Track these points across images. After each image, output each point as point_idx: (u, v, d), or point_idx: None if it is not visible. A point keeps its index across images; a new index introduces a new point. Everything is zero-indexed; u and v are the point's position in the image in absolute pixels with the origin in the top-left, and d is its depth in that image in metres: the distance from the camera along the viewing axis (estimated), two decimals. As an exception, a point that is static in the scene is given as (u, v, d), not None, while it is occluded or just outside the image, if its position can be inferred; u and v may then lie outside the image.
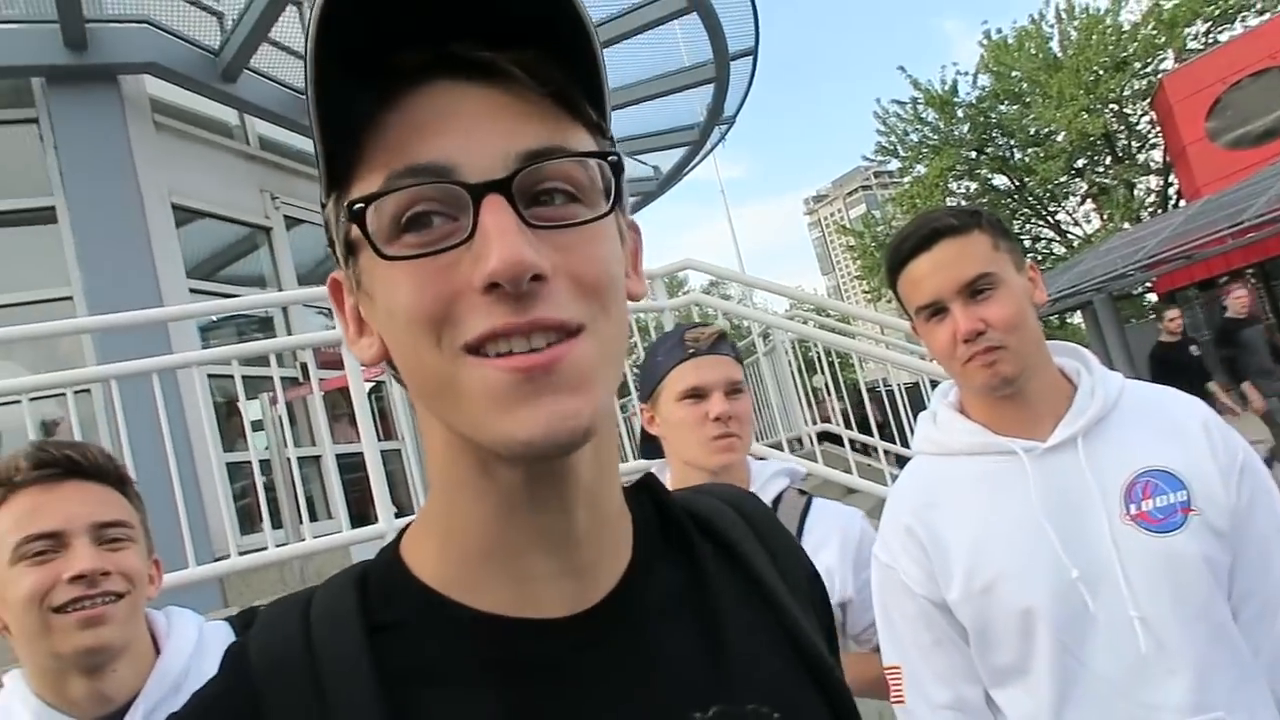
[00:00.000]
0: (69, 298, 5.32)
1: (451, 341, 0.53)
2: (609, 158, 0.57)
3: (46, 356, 4.98)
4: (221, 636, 1.35)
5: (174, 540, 3.40)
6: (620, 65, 8.18)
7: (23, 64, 5.47)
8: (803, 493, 1.90)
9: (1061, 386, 1.44)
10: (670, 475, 1.88)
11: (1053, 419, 1.41)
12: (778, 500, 1.85)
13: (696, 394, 1.76)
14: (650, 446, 1.91)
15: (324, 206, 0.61)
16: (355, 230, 0.55)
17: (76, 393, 3.50)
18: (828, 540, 1.78)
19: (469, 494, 0.60)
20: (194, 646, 1.30)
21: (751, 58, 9.03)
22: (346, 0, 0.51)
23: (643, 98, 8.71)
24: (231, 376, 3.64)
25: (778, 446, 5.12)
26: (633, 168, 10.12)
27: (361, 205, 0.54)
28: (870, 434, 5.38)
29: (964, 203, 24.88)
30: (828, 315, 8.00)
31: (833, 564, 1.76)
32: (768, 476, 1.88)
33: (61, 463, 1.21)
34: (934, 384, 5.08)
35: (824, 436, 6.71)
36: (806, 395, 6.46)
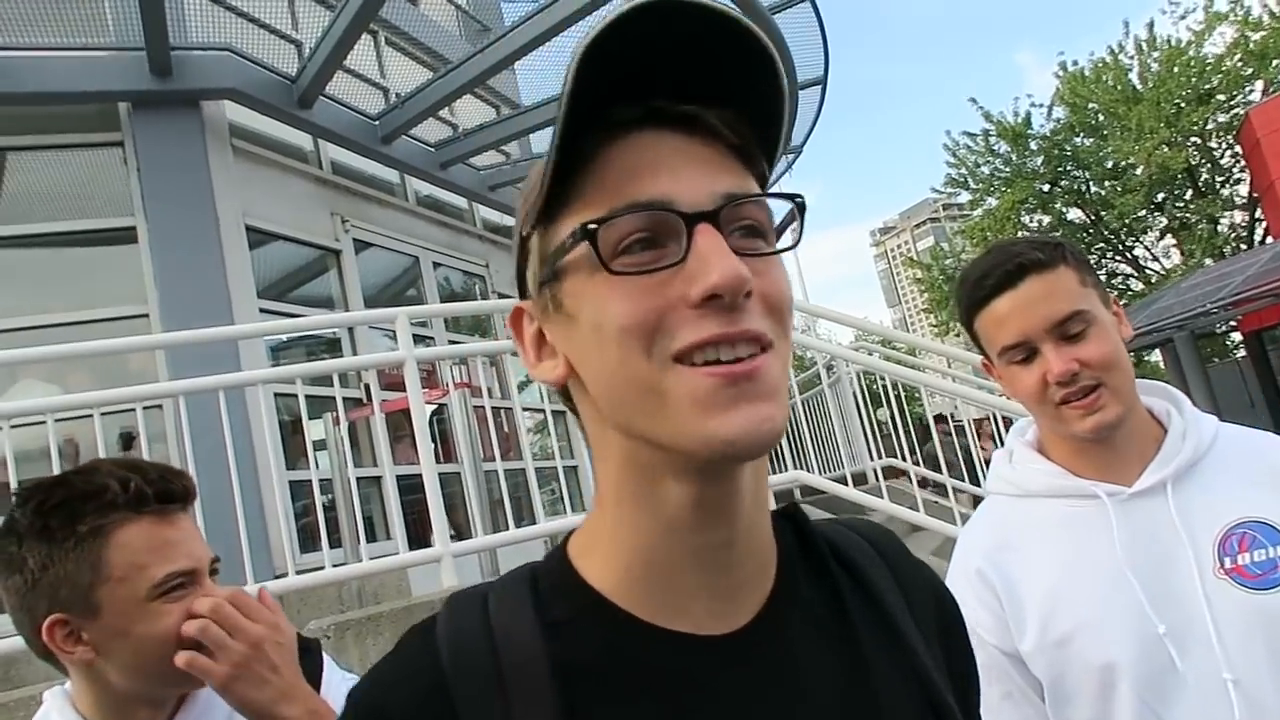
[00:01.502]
0: (145, 315, 5.47)
1: (662, 350, 0.60)
2: (797, 200, 0.65)
3: (122, 372, 5.11)
4: None
5: (234, 556, 3.43)
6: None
7: (111, 89, 5.67)
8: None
9: (1150, 428, 1.35)
10: None
11: (1140, 463, 1.32)
12: None
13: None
14: None
15: (524, 239, 0.69)
16: (578, 251, 0.63)
17: (146, 408, 3.57)
18: None
19: (638, 509, 0.66)
20: None
21: (820, 87, 8.97)
22: (595, 62, 0.58)
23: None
24: (296, 396, 3.68)
25: (841, 481, 4.99)
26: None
27: (595, 226, 0.61)
28: (939, 470, 5.21)
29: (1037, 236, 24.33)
30: (894, 347, 7.84)
31: None
32: None
33: (180, 495, 1.21)
34: (1006, 419, 4.94)
35: (892, 472, 6.55)
36: (871, 428, 6.32)
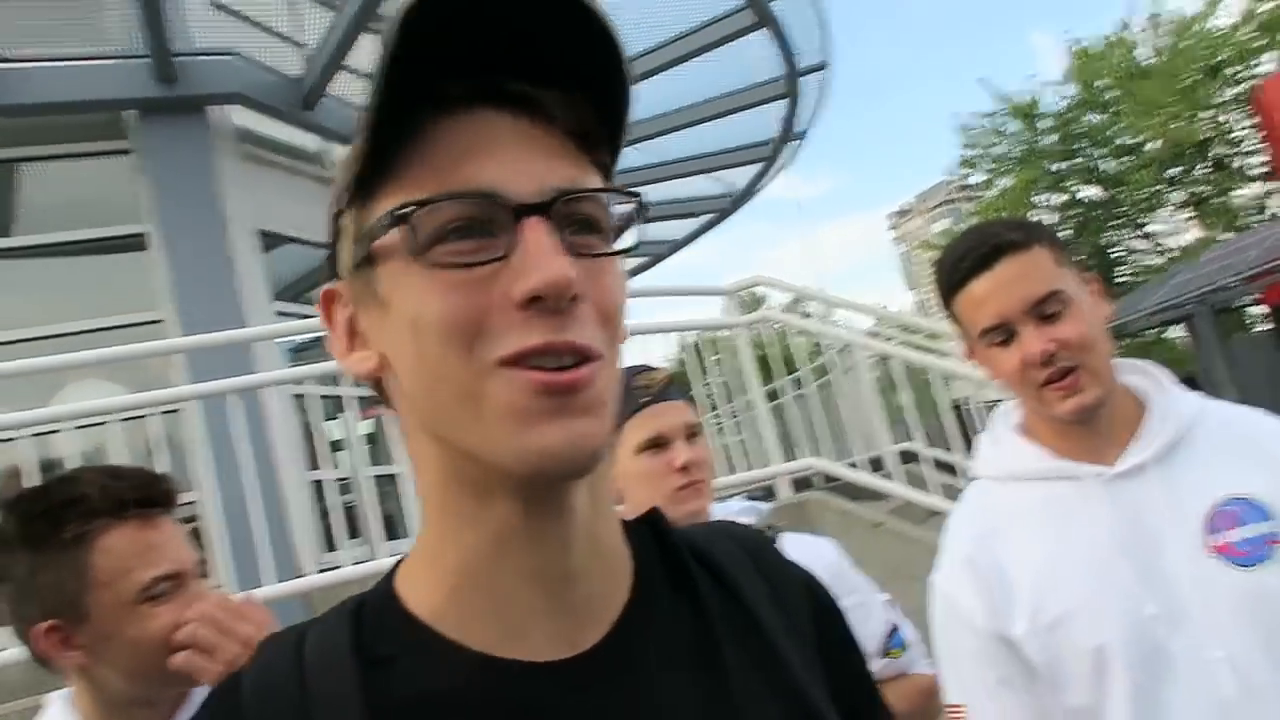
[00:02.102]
0: (159, 321, 5.51)
1: (483, 354, 0.55)
2: (636, 197, 0.60)
3: (140, 378, 5.15)
4: None
5: (253, 557, 3.46)
6: (690, 82, 8.16)
7: (117, 97, 5.70)
8: (770, 528, 1.81)
9: (1131, 408, 1.34)
10: None
11: (1123, 443, 1.31)
12: None
13: (657, 444, 1.67)
14: None
15: (336, 216, 0.63)
16: (391, 236, 0.57)
17: (164, 413, 3.60)
18: None
19: (463, 523, 0.60)
20: None
21: (823, 73, 8.92)
22: (419, 33, 0.53)
23: (714, 115, 8.67)
24: (315, 396, 3.71)
25: (853, 467, 4.97)
26: (706, 185, 10.08)
27: (410, 209, 0.56)
28: (960, 453, 5.18)
29: (1055, 215, 24.20)
30: (913, 332, 7.81)
31: None
32: (733, 515, 1.81)
33: (160, 500, 1.23)
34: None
35: (909, 456, 6.52)
36: (889, 414, 6.29)
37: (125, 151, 5.86)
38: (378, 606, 0.64)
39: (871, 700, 0.77)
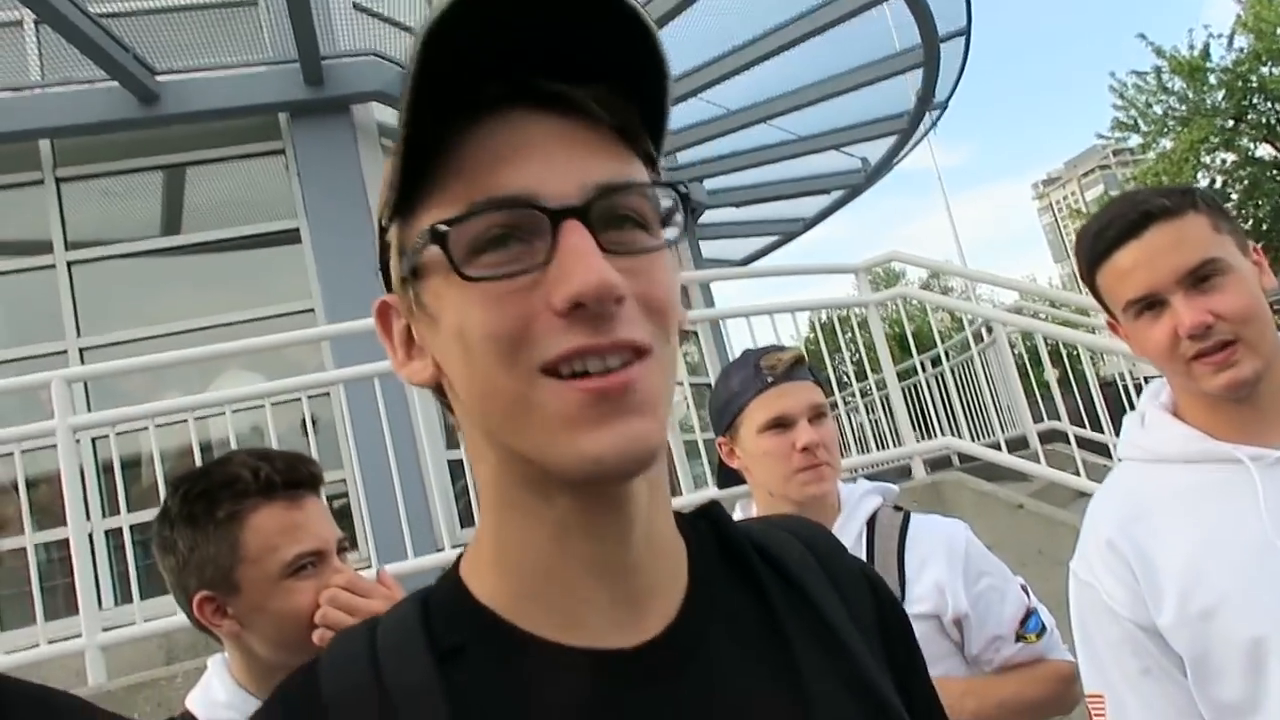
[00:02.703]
0: (310, 310, 5.85)
1: (527, 361, 0.55)
2: (678, 189, 0.60)
3: (293, 364, 5.49)
4: None
5: (395, 533, 3.64)
6: (823, 56, 7.98)
7: (270, 101, 6.07)
8: (898, 509, 1.77)
9: None
10: (756, 508, 1.80)
11: None
12: (872, 520, 1.72)
13: (781, 424, 1.67)
14: (728, 475, 1.83)
15: (383, 230, 0.63)
16: (431, 252, 0.57)
17: (311, 397, 3.83)
18: (934, 555, 1.65)
19: (523, 518, 0.61)
20: None
21: (964, 38, 8.55)
22: (447, 35, 0.52)
23: (847, 88, 8.46)
24: None
25: (995, 446, 4.79)
26: (838, 161, 9.85)
27: (445, 228, 0.56)
28: (1111, 433, 4.92)
29: (1220, 178, 22.45)
30: (1059, 307, 7.44)
31: (943, 579, 1.63)
32: (859, 496, 1.77)
33: (307, 481, 1.32)
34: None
35: (1054, 436, 6.23)
36: (1032, 391, 6.02)
37: (279, 152, 6.23)
38: (445, 597, 0.65)
39: (928, 693, 0.76)
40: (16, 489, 3.48)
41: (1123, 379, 5.52)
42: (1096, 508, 1.36)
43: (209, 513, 1.28)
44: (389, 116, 6.67)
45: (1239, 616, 1.17)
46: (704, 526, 0.72)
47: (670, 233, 0.61)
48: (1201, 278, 1.21)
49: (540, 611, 0.62)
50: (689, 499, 4.16)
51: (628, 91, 0.58)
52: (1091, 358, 5.11)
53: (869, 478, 2.01)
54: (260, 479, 1.28)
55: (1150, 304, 1.25)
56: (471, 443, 0.63)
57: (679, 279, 0.62)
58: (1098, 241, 1.29)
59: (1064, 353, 5.45)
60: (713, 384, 5.03)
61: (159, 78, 5.79)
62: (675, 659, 0.62)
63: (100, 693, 3.02)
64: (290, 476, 1.30)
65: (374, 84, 6.24)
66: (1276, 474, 1.20)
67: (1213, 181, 22.47)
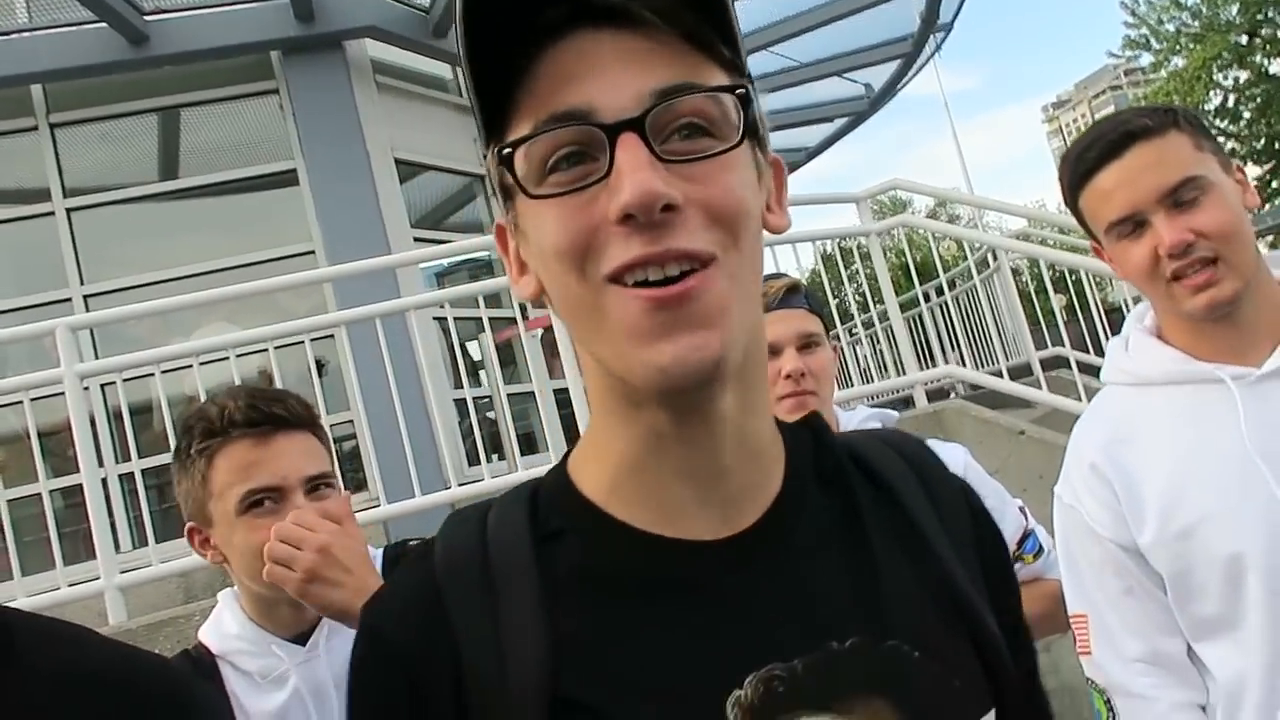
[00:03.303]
0: (311, 252, 5.84)
1: (595, 271, 0.58)
2: (737, 91, 0.60)
3: (296, 306, 5.50)
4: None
5: (402, 471, 3.69)
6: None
7: (262, 39, 5.97)
8: None
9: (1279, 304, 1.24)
10: None
11: (1270, 342, 1.22)
12: None
13: (769, 350, 1.69)
14: None
15: (484, 158, 0.65)
16: (507, 175, 0.60)
17: (315, 339, 3.85)
18: None
19: (620, 424, 0.65)
20: None
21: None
22: None
23: (849, 11, 8.27)
24: (464, 319, 3.84)
25: (998, 374, 4.80)
26: (841, 88, 9.68)
27: (509, 150, 0.59)
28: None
29: (1233, 95, 22.00)
30: (1066, 233, 7.37)
31: None
32: (858, 423, 1.78)
33: (272, 418, 1.32)
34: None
35: (1059, 362, 6.23)
36: (1037, 319, 6.00)
37: (273, 92, 6.15)
38: (552, 488, 0.70)
39: (1018, 620, 0.78)
40: (29, 437, 3.53)
41: (1128, 306, 5.50)
42: (1080, 432, 1.38)
43: (187, 449, 1.33)
44: (382, 52, 6.57)
45: (1218, 533, 1.19)
46: (804, 435, 0.74)
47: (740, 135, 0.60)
48: (1182, 196, 1.20)
49: (635, 504, 0.66)
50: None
51: (690, 2, 0.58)
52: (1098, 283, 5.08)
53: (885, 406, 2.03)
54: (225, 417, 1.30)
55: (1132, 225, 1.25)
56: (580, 351, 0.67)
57: (754, 181, 0.63)
58: (1079, 164, 1.28)
59: (1069, 279, 5.40)
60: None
61: (147, 18, 5.70)
62: (757, 552, 0.66)
63: (121, 631, 3.11)
64: (251, 415, 1.31)
65: (366, 19, 6.13)
66: (1257, 393, 1.21)
67: (1225, 99, 22.02)
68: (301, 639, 1.37)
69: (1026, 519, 1.75)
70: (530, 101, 0.59)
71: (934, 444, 1.78)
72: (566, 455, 0.72)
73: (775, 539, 0.66)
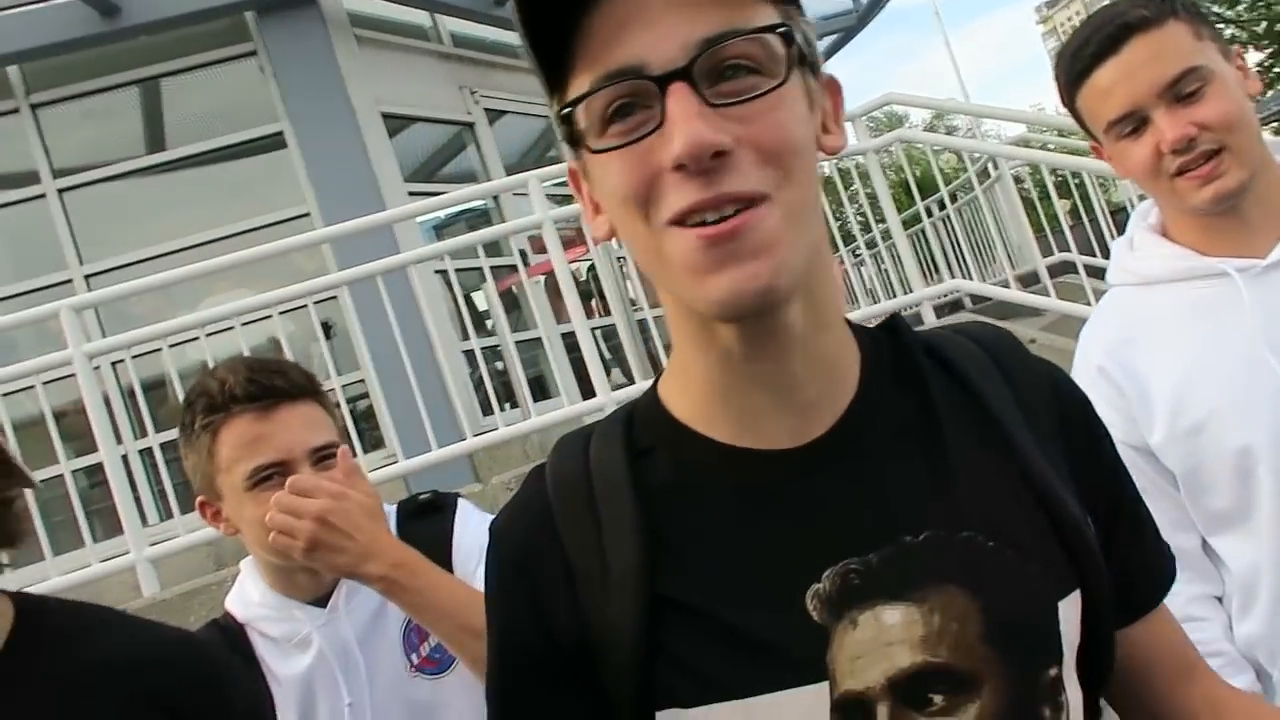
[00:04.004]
0: (306, 214, 5.79)
1: (658, 216, 0.62)
2: (779, 30, 0.61)
3: (295, 270, 5.48)
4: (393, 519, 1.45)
5: (417, 426, 3.71)
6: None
7: (236, 0, 5.84)
8: None
9: None
10: None
11: (1276, 232, 1.20)
12: None
13: None
14: None
15: (551, 111, 0.68)
16: (571, 130, 0.65)
17: (318, 302, 3.84)
18: None
19: (696, 346, 0.70)
20: None
21: None
22: None
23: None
24: (466, 270, 3.81)
25: (1005, 284, 4.77)
26: (828, 3, 9.46)
27: (569, 109, 0.63)
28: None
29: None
30: (1070, 136, 7.25)
31: None
32: None
33: (273, 391, 1.31)
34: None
35: (1066, 268, 6.19)
36: (1042, 226, 5.94)
37: (251, 54, 6.05)
38: (645, 410, 0.77)
39: (1125, 489, 0.82)
40: (45, 420, 3.55)
41: (1133, 205, 5.43)
42: (1087, 335, 1.37)
43: (191, 424, 1.33)
44: (358, 5, 6.43)
45: (1227, 428, 1.19)
46: (884, 338, 0.78)
47: (795, 73, 0.63)
48: (1183, 88, 1.17)
49: (717, 419, 0.72)
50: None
51: None
52: (1101, 185, 5.00)
53: None
54: (225, 392, 1.30)
55: (1132, 123, 1.21)
56: (658, 287, 0.71)
57: (805, 112, 0.65)
58: (1075, 61, 1.25)
59: (1072, 183, 5.33)
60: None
61: (117, -12, 5.58)
62: (833, 455, 0.70)
63: (155, 601, 3.17)
64: (250, 389, 1.29)
65: (338, -31, 6.00)
66: (1263, 284, 1.20)
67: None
68: (322, 601, 1.38)
69: None
70: (586, 57, 0.62)
71: None
72: (657, 379, 0.79)
73: (849, 443, 0.70)
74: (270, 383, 1.31)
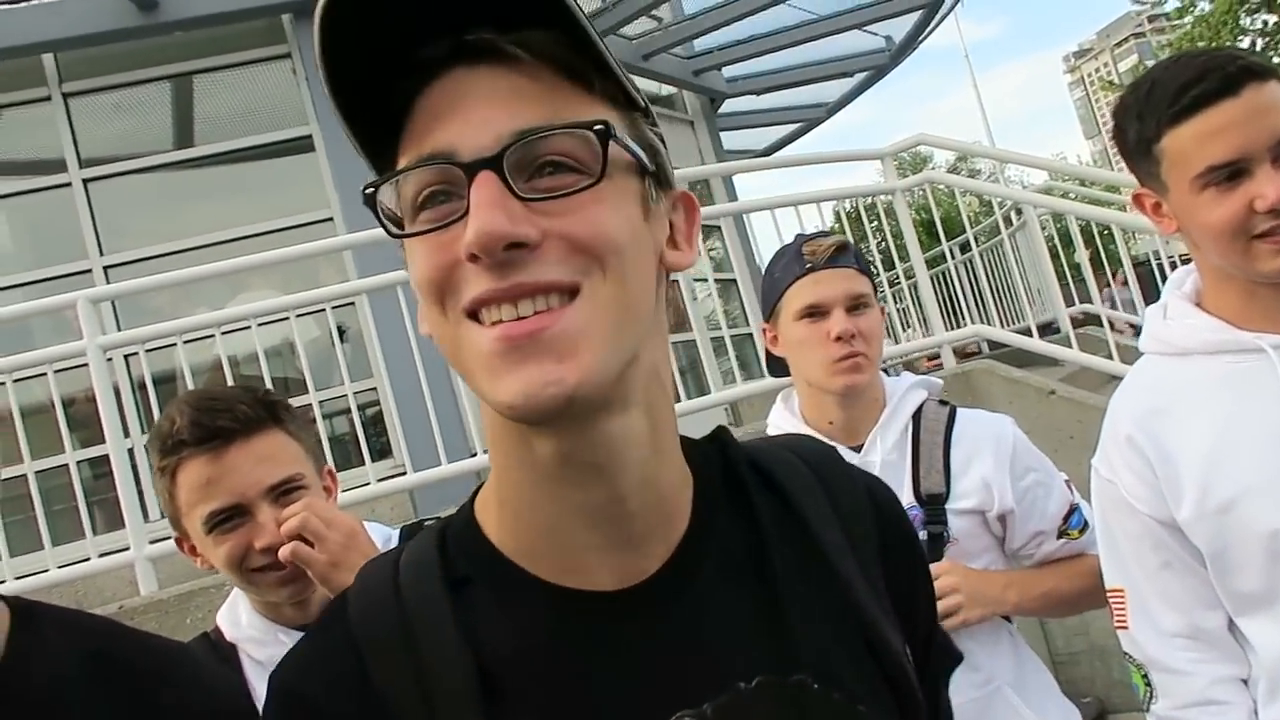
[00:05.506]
0: (329, 219, 5.79)
1: (454, 306, 0.58)
2: (595, 128, 0.58)
3: (314, 273, 5.48)
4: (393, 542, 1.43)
5: (428, 439, 3.68)
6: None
7: (272, 2, 5.87)
8: (944, 403, 1.73)
9: None
10: (797, 398, 1.77)
11: None
12: (918, 414, 1.69)
13: (816, 311, 1.63)
14: (777, 364, 1.80)
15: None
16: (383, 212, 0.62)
17: (336, 307, 3.82)
18: (979, 451, 1.63)
19: (510, 461, 0.64)
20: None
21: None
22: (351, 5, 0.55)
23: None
24: None
25: (1025, 332, 4.73)
26: (862, 41, 9.48)
27: (371, 190, 0.61)
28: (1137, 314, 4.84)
29: (1260, 41, 21.48)
30: (1091, 186, 7.23)
31: (990, 475, 1.62)
32: (904, 390, 1.73)
33: (219, 433, 1.26)
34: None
35: (1087, 319, 6.15)
36: (1062, 274, 5.91)
37: (285, 56, 6.07)
38: (460, 531, 0.70)
39: (929, 614, 0.79)
40: (54, 408, 3.53)
41: (1156, 257, 5.39)
42: (1117, 403, 1.34)
43: (152, 464, 1.31)
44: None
45: (1259, 509, 1.15)
46: (713, 453, 0.74)
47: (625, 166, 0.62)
48: None
49: (539, 553, 0.66)
50: (716, 397, 4.16)
51: (566, 33, 0.58)
52: (1125, 238, 4.97)
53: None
54: (174, 434, 1.26)
55: (1229, 172, 1.15)
56: None
57: (635, 215, 0.62)
58: (1180, 96, 1.16)
59: (1096, 232, 5.30)
60: (738, 278, 4.91)
61: (157, -17, 5.61)
62: (664, 600, 0.65)
63: (153, 602, 3.13)
64: (196, 433, 1.25)
65: (377, -21, 6.02)
66: None
67: (1253, 45, 21.49)
68: (307, 629, 1.36)
69: (1072, 494, 1.72)
70: (408, 139, 0.60)
71: (981, 414, 1.75)
72: (476, 491, 0.72)
73: (680, 586, 0.66)
74: (215, 424, 1.26)
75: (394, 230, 0.61)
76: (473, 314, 0.58)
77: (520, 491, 0.65)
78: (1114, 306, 7.13)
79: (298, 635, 1.32)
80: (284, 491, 1.29)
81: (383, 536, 1.44)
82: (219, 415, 1.26)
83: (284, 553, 1.22)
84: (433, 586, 0.66)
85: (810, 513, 0.72)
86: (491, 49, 0.59)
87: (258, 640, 1.36)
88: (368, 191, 0.61)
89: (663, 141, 0.67)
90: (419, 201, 0.60)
